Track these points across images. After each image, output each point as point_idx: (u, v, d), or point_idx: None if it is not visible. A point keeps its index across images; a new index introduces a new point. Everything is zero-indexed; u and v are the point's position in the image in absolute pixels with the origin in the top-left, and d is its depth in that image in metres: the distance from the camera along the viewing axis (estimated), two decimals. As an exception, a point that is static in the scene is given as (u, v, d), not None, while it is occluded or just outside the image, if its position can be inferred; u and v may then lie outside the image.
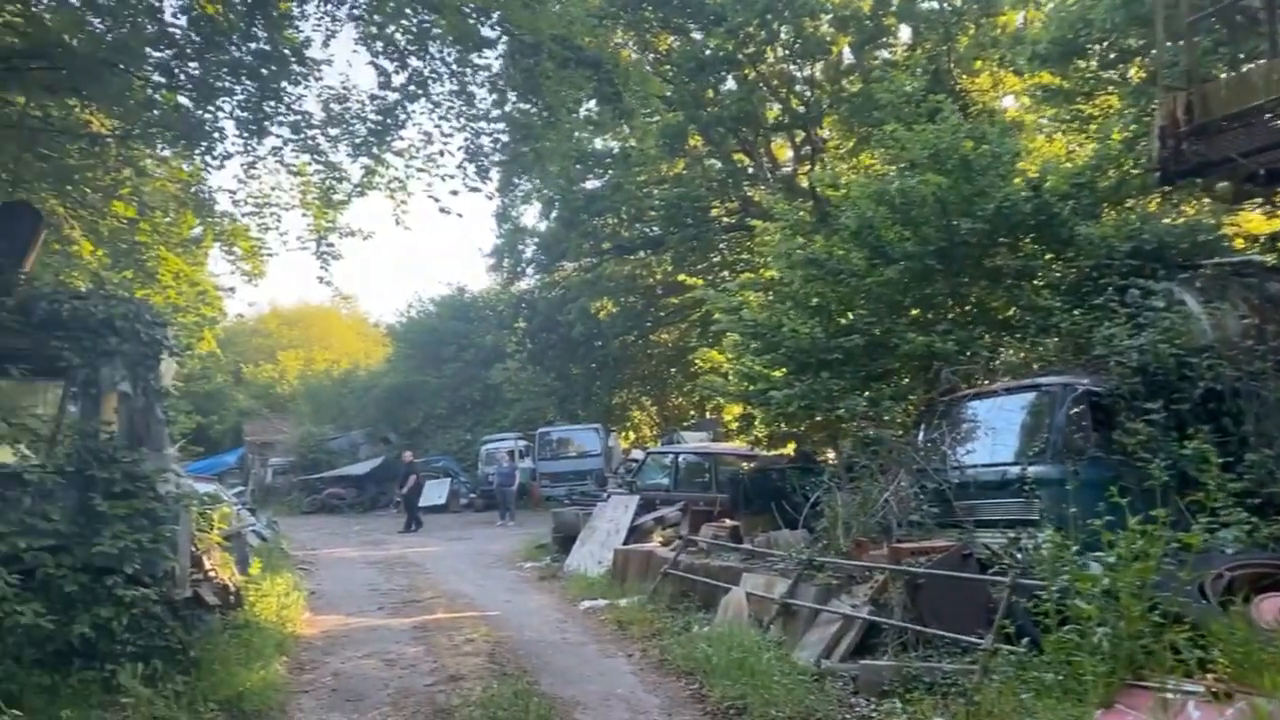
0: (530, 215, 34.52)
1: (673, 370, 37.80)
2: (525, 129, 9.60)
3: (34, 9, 10.18)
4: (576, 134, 10.37)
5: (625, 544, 14.74)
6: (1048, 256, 11.98)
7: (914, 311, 12.52)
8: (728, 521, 13.05)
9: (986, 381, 10.79)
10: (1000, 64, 23.92)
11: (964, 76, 25.04)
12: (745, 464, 15.22)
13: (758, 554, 11.18)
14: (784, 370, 12.71)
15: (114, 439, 7.57)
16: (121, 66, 10.62)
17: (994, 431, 9.71)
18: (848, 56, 27.59)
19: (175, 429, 21.07)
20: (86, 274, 11.85)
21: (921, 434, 10.50)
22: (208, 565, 9.93)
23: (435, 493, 31.82)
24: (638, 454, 31.16)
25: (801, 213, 12.89)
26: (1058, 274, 11.76)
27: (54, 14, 10.51)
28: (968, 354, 11.20)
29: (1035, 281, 11.89)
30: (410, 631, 11.08)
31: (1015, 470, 8.81)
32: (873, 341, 11.99)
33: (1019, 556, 7.37)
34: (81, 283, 10.63)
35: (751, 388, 13.00)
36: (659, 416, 40.94)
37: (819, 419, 12.23)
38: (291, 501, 35.76)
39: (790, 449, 14.43)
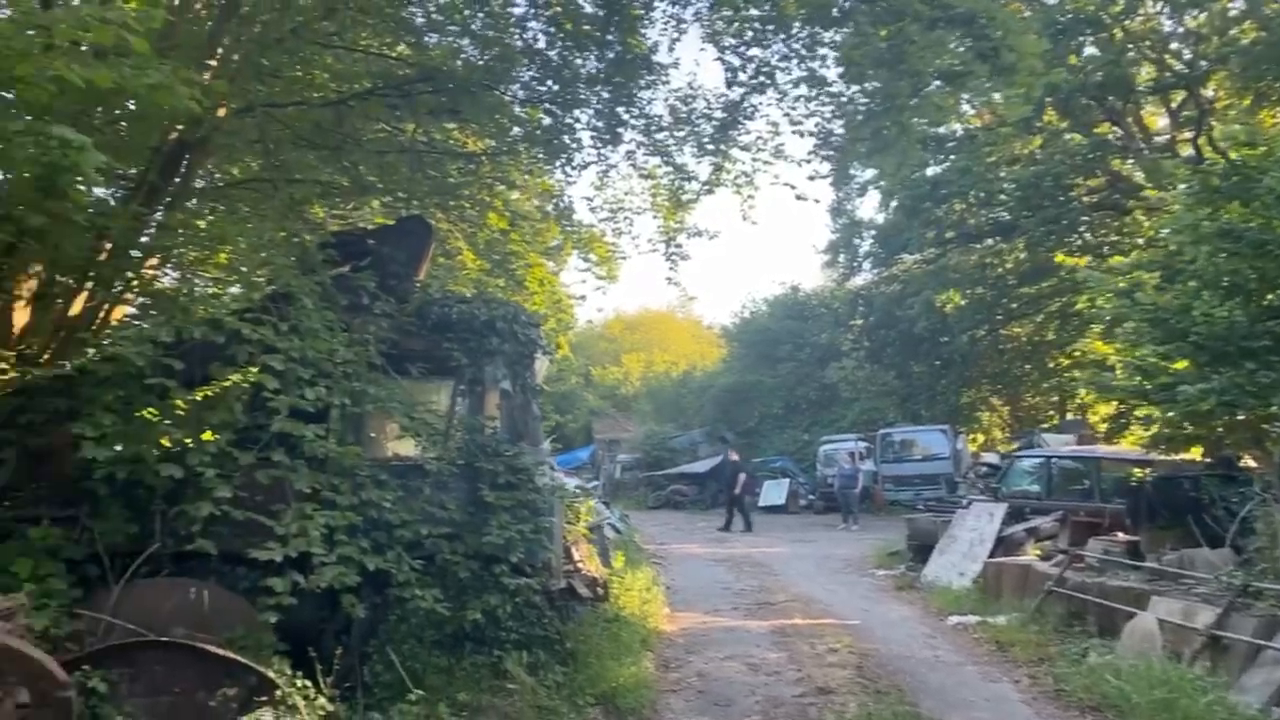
0: (867, 207, 33.39)
1: (1027, 366, 34.75)
2: (888, 101, 8.92)
3: (422, 40, 11.14)
4: (927, 113, 9.41)
5: (992, 555, 13.49)
6: None
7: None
8: (1122, 536, 11.44)
9: None
10: None
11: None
12: (1139, 470, 13.29)
13: (1167, 574, 9.61)
14: (1188, 362, 10.88)
15: (497, 434, 7.92)
16: (493, 87, 11.34)
17: None
18: (1237, 3, 23.70)
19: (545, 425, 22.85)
20: (468, 282, 12.82)
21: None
22: (577, 557, 10.27)
23: (774, 493, 31.64)
24: (990, 457, 28.91)
25: (1213, 178, 10.93)
26: None
27: (437, 44, 11.44)
28: None
29: None
30: (769, 635, 10.77)
31: None
32: (1312, 325, 9.89)
33: None
34: (465, 289, 11.47)
35: (1149, 383, 11.27)
36: (1011, 417, 37.88)
37: (1240, 418, 10.31)
38: (638, 497, 37.31)
39: (1197, 453, 12.40)
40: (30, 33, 5.60)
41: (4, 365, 8.06)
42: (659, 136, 12.65)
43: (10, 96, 5.97)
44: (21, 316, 8.89)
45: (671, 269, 14.21)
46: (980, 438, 37.45)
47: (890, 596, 13.99)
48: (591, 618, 8.90)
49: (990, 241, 31.20)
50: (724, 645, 10.23)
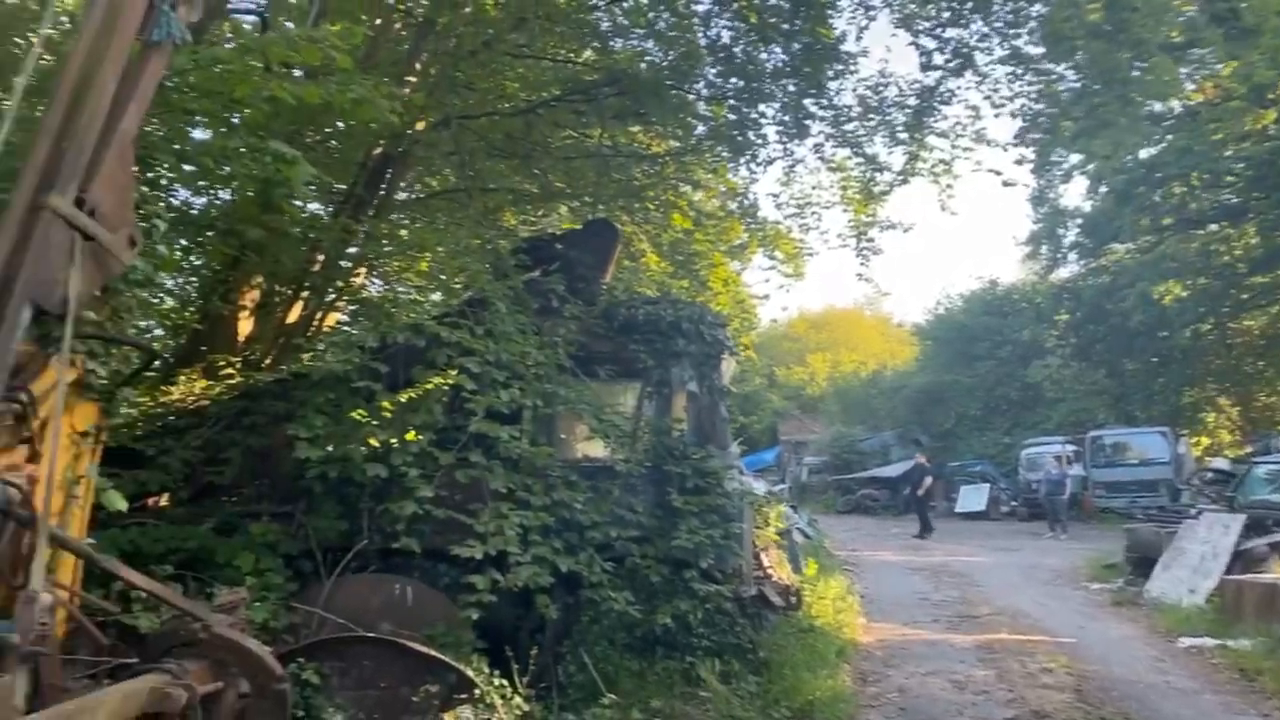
0: (1071, 195, 31.21)
1: (1260, 363, 31.46)
2: (1104, 76, 8.17)
3: (607, 45, 11.23)
4: (1152, 88, 8.52)
5: (1229, 572, 12.18)
6: None
7: None
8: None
9: None
10: None
11: None
12: None
13: None
14: None
15: (684, 436, 7.81)
16: (677, 87, 11.30)
17: None
18: None
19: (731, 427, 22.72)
20: (653, 283, 12.83)
21: None
22: (766, 563, 10.02)
23: (973, 499, 30.16)
24: (1219, 463, 26.36)
25: None
26: None
27: (622, 48, 11.51)
28: None
29: None
30: (974, 651, 10.13)
31: None
32: None
33: None
34: (650, 291, 11.47)
35: None
36: (1242, 419, 34.39)
37: None
38: (826, 500, 36.48)
39: None
40: (249, 57, 5.95)
41: (231, 370, 8.70)
42: (848, 127, 12.25)
43: (232, 118, 6.38)
44: (246, 325, 9.60)
45: (862, 264, 13.76)
46: (1204, 441, 34.22)
47: (1107, 613, 12.90)
48: (784, 626, 8.63)
49: (1215, 227, 28.49)
50: (925, 660, 9.69)
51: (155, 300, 8.33)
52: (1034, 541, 23.35)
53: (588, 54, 11.75)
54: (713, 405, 8.04)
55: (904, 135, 12.19)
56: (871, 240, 13.48)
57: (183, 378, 8.98)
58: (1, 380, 3.20)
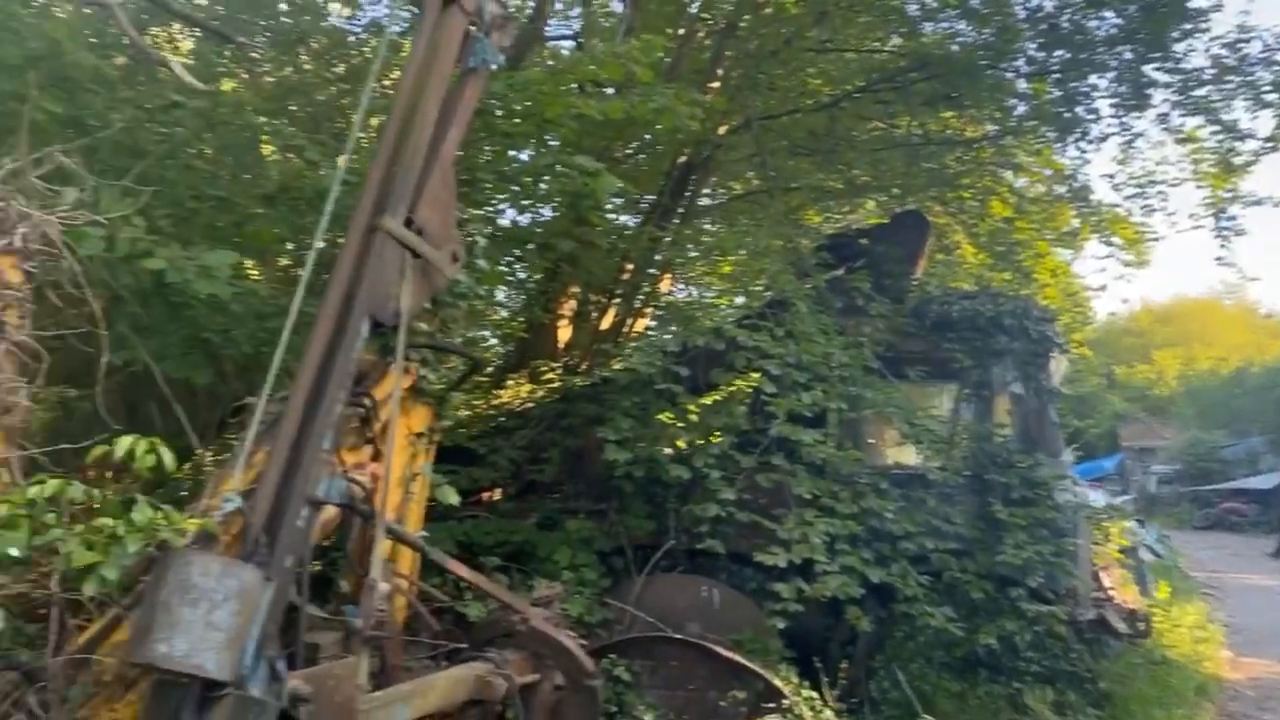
0: None
1: None
2: None
3: (915, 30, 10.69)
4: None
5: None
6: None
7: None
8: None
9: None
10: None
11: None
12: None
13: None
14: None
15: (1008, 442, 7.19)
16: (993, 66, 10.50)
17: None
18: None
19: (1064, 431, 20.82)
20: (969, 277, 12.04)
21: None
22: (1108, 584, 9.00)
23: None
24: None
25: None
26: None
27: (931, 31, 10.90)
28: None
29: None
30: (1379, 702, 8.47)
31: None
32: None
33: None
34: (966, 285, 10.74)
35: None
36: None
37: None
38: (1179, 514, 32.54)
39: None
40: (559, 78, 6.27)
41: (552, 375, 9.26)
42: (1199, 93, 10.72)
43: (546, 138, 6.75)
44: (565, 332, 10.19)
45: (1222, 246, 11.97)
46: None
47: None
48: (1130, 656, 7.69)
49: None
50: (1312, 708, 8.25)
51: (488, 311, 9.10)
52: None
53: (894, 41, 11.24)
54: (1041, 408, 7.33)
55: (1272, 95, 10.47)
56: (1233, 219, 11.71)
57: (512, 382, 9.70)
58: (347, 387, 3.53)
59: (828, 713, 5.99)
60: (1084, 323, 22.35)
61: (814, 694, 5.96)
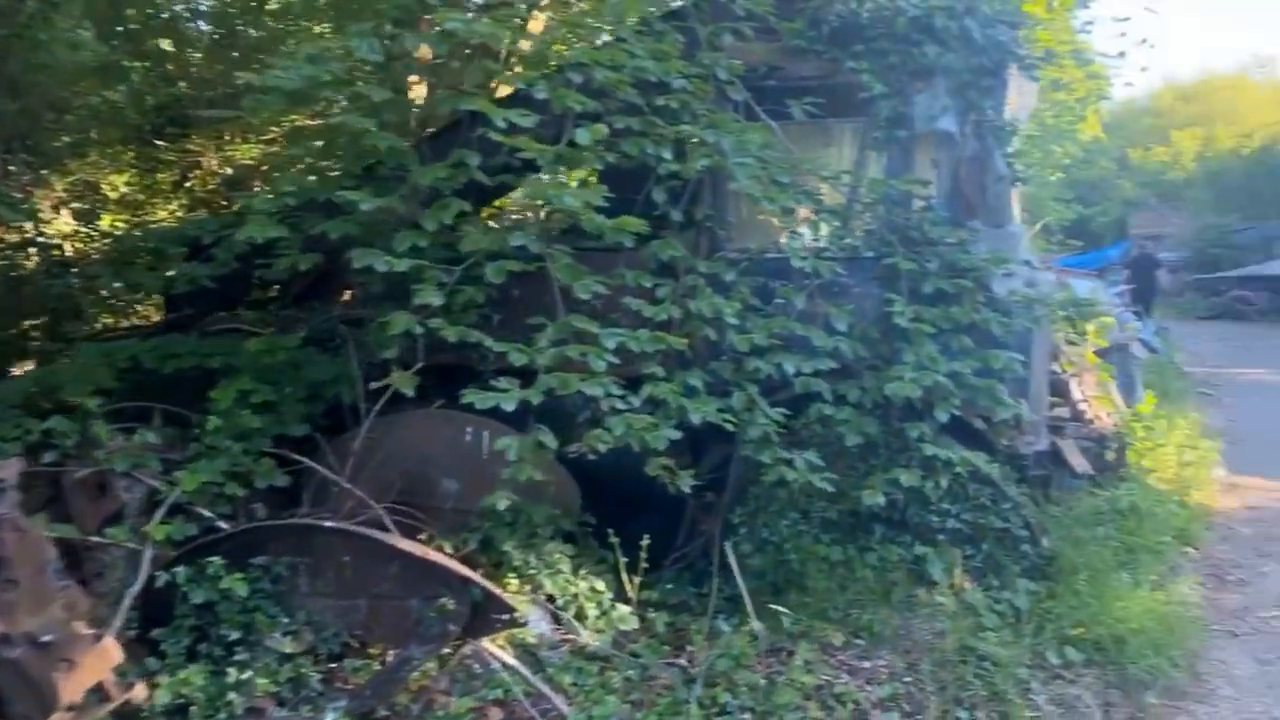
0: None
1: None
2: None
3: None
4: None
5: None
6: None
7: None
8: None
9: None
10: None
11: None
12: None
13: None
14: None
15: (929, 207, 4.91)
16: None
17: None
18: None
19: (1053, 215, 17.84)
20: None
21: None
22: (1078, 397, 6.98)
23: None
24: None
25: None
26: None
27: None
28: None
29: None
30: None
31: None
32: None
33: None
34: None
35: None
36: None
37: None
38: (1183, 305, 30.45)
39: None
40: None
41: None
42: None
43: None
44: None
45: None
46: None
47: None
48: (1093, 499, 5.69)
49: None
50: (1326, 548, 6.38)
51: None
52: None
53: None
54: (982, 155, 4.99)
55: None
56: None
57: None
58: None
59: (621, 610, 4.07)
60: (1100, 99, 19.45)
61: (600, 587, 4.03)
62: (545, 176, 4.03)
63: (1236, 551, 6.32)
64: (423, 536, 3.91)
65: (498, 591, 3.50)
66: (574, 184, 4.56)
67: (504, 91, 4.90)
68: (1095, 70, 17.92)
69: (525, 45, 5.07)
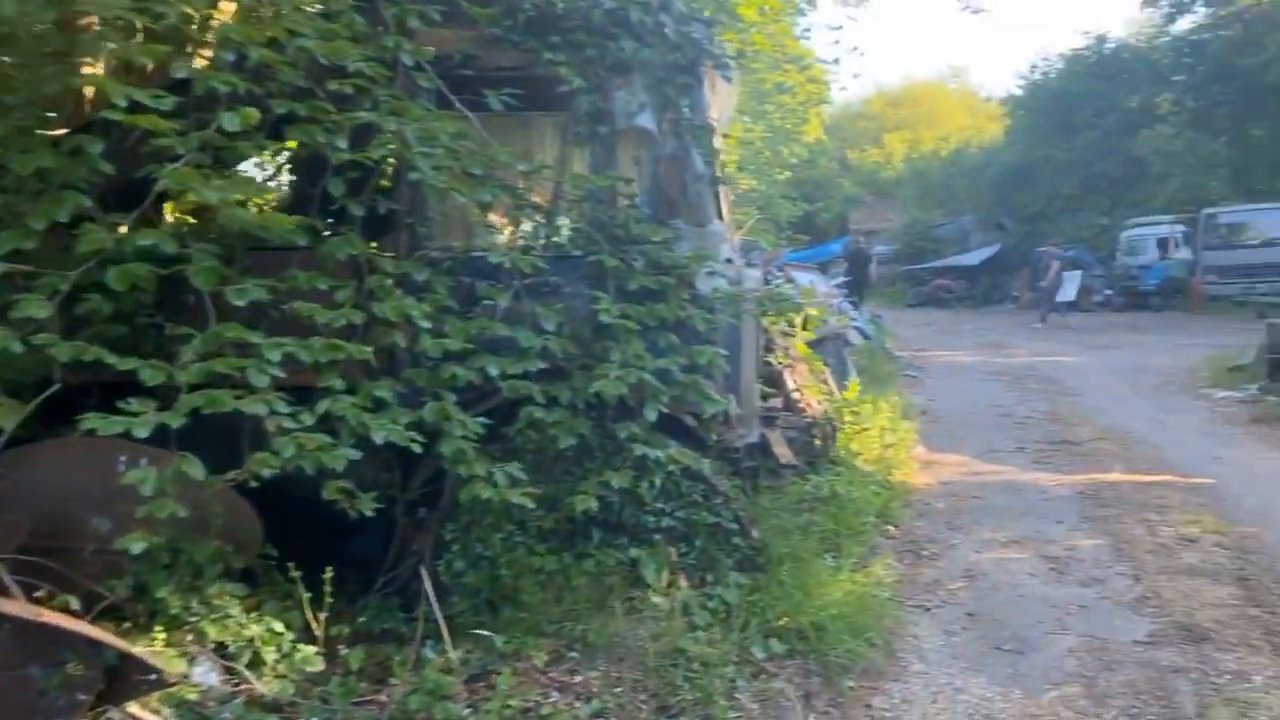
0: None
1: None
2: None
3: None
4: None
5: None
6: None
7: None
8: None
9: None
10: None
11: None
12: None
13: None
14: None
15: (633, 205, 4.84)
16: None
17: None
18: None
19: (782, 213, 18.86)
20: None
21: None
22: (790, 387, 7.24)
23: (1065, 288, 26.83)
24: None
25: None
26: None
27: None
28: None
29: None
30: (1075, 501, 7.37)
31: None
32: None
33: None
34: None
35: None
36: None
37: None
38: (894, 293, 33.33)
39: None
40: None
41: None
42: None
43: None
44: None
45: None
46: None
47: (1248, 434, 9.94)
48: (799, 488, 5.89)
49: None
50: (1005, 517, 6.99)
51: None
52: (1133, 337, 20.15)
53: None
54: (681, 154, 4.98)
55: None
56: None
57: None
58: None
59: (305, 650, 3.67)
60: (819, 101, 20.72)
61: (279, 628, 3.61)
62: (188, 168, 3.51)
63: (931, 527, 6.77)
64: (41, 593, 3.31)
65: (133, 650, 3.00)
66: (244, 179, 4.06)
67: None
68: (815, 74, 19.12)
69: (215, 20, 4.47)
